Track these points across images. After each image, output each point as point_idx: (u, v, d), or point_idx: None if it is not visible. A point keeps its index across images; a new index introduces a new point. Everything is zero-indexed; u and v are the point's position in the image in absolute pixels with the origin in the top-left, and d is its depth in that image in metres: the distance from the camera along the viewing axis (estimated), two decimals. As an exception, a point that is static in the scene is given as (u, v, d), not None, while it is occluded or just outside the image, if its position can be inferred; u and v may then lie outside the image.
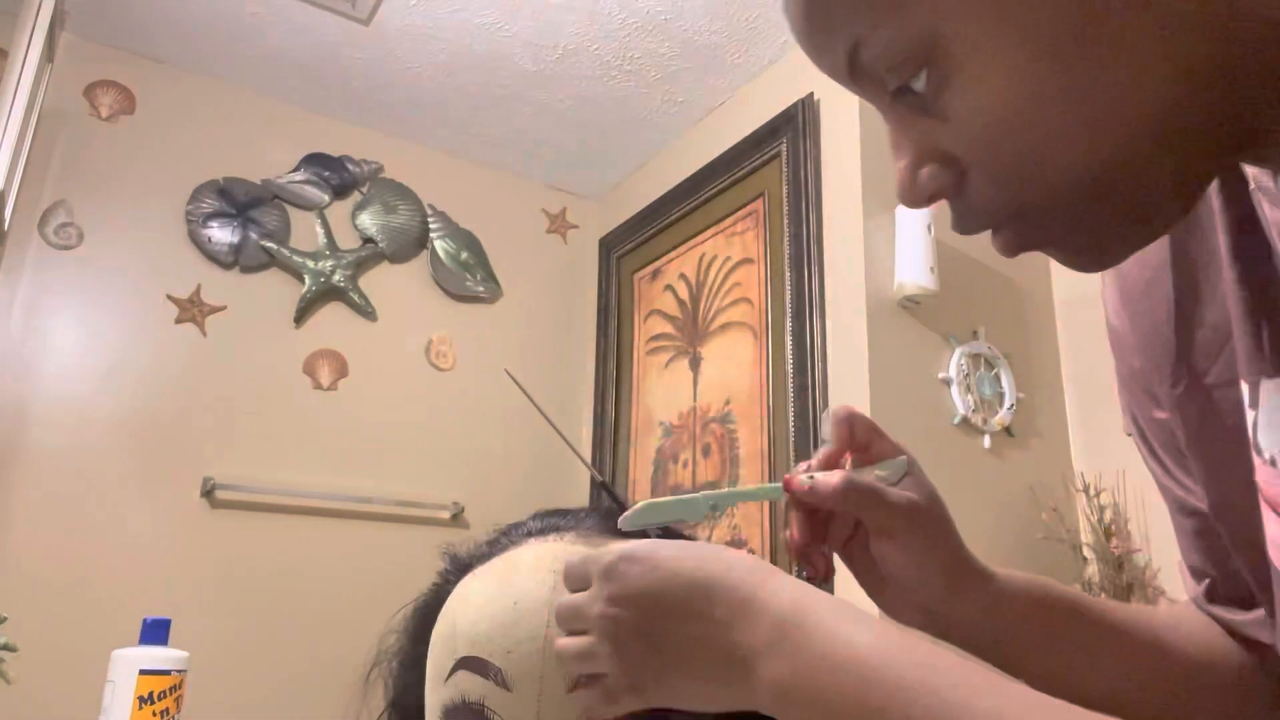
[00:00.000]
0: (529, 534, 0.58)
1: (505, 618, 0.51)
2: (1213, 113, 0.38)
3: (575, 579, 0.49)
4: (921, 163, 0.43)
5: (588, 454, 2.54)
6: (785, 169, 1.97)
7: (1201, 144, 0.39)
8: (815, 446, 1.75)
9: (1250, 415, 0.47)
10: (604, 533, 0.57)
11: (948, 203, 0.44)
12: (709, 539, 2.00)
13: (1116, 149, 0.38)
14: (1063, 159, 0.39)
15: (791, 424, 1.82)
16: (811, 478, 0.54)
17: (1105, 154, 0.38)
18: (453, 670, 0.52)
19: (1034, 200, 0.41)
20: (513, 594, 0.52)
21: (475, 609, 0.53)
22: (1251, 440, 0.47)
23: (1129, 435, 0.62)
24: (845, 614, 0.41)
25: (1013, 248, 0.43)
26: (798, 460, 1.79)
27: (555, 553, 0.54)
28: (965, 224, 0.44)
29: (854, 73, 0.43)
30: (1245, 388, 0.47)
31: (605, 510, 0.60)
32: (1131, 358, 0.58)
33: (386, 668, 0.62)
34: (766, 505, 1.87)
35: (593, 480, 0.57)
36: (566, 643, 0.48)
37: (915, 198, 0.44)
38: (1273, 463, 0.45)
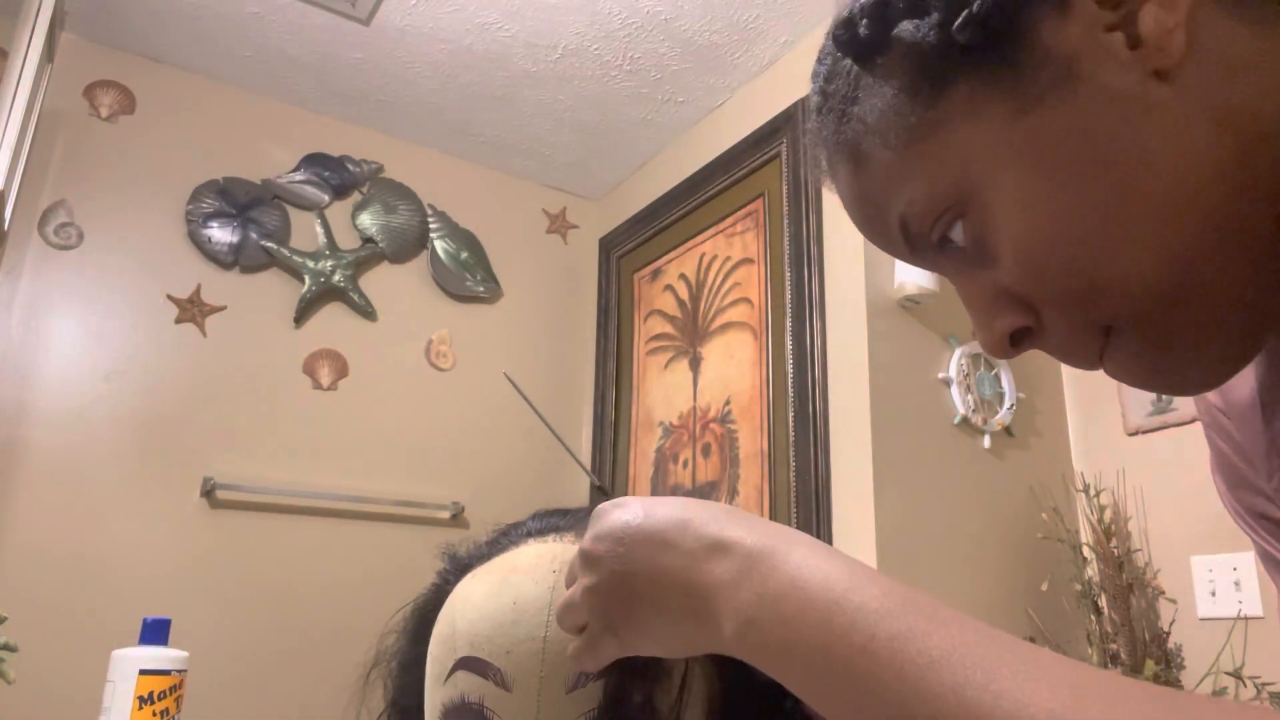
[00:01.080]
0: (528, 534, 0.58)
1: (504, 618, 0.51)
2: (1272, 200, 0.38)
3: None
4: (993, 312, 0.44)
5: (588, 454, 2.54)
6: (785, 169, 1.97)
7: (1271, 229, 0.39)
8: (815, 447, 1.76)
9: None
10: None
11: (1045, 350, 0.45)
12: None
13: (1175, 251, 0.39)
14: (1122, 271, 0.40)
15: (791, 424, 1.82)
16: None
17: (1167, 258, 0.39)
18: (452, 670, 0.52)
19: (1115, 316, 0.41)
20: (511, 594, 0.52)
21: (474, 609, 0.53)
22: None
23: (1236, 523, 0.62)
24: (819, 548, 0.39)
25: (1122, 375, 0.44)
26: (797, 460, 1.79)
27: (554, 553, 0.54)
28: (1070, 360, 0.45)
29: (910, 244, 0.46)
30: None
31: None
32: (1230, 448, 0.58)
33: (386, 668, 0.62)
34: (766, 504, 1.87)
35: (592, 482, 0.57)
36: (560, 597, 0.48)
37: (999, 347, 0.45)
38: None
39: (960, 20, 0.40)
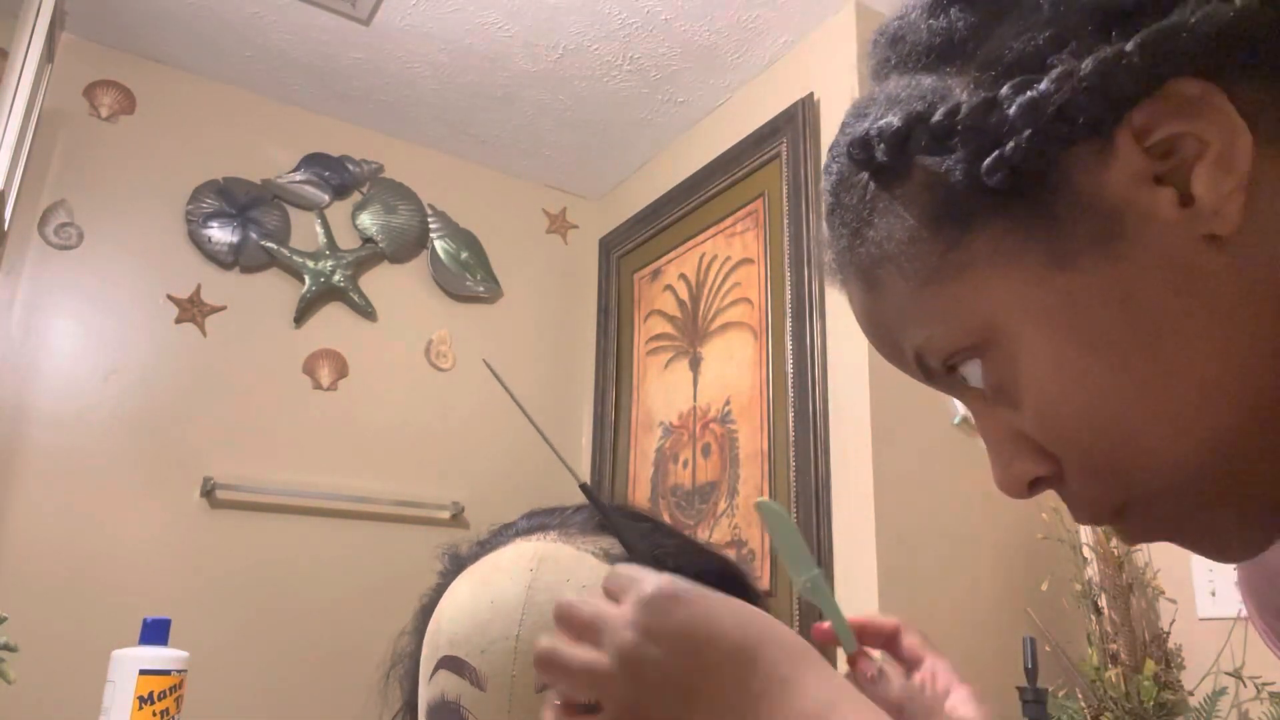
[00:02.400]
0: (517, 533, 0.58)
1: (482, 617, 0.51)
2: None
3: (609, 592, 0.45)
4: (1010, 453, 0.42)
5: (588, 454, 2.54)
6: (785, 169, 1.97)
7: None
8: (815, 447, 1.75)
9: None
10: (587, 531, 0.57)
11: (1057, 493, 0.43)
12: (709, 536, 2.00)
13: (1216, 435, 0.36)
14: (1154, 449, 0.37)
15: (791, 424, 1.82)
16: (881, 671, 0.55)
17: (1204, 441, 0.36)
18: (435, 669, 0.52)
19: (1138, 494, 0.39)
20: (490, 593, 0.52)
21: (457, 608, 0.53)
22: None
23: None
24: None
25: (1133, 539, 0.42)
26: (797, 460, 1.79)
27: (536, 551, 0.54)
28: (1078, 515, 0.42)
29: (925, 373, 0.44)
30: None
31: (591, 509, 0.60)
32: (1258, 572, 0.56)
33: (401, 668, 0.62)
34: (766, 505, 1.87)
35: (585, 491, 0.56)
36: (573, 652, 0.43)
37: (1014, 490, 0.43)
38: None
39: (990, 162, 0.37)
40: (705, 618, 0.42)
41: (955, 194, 0.39)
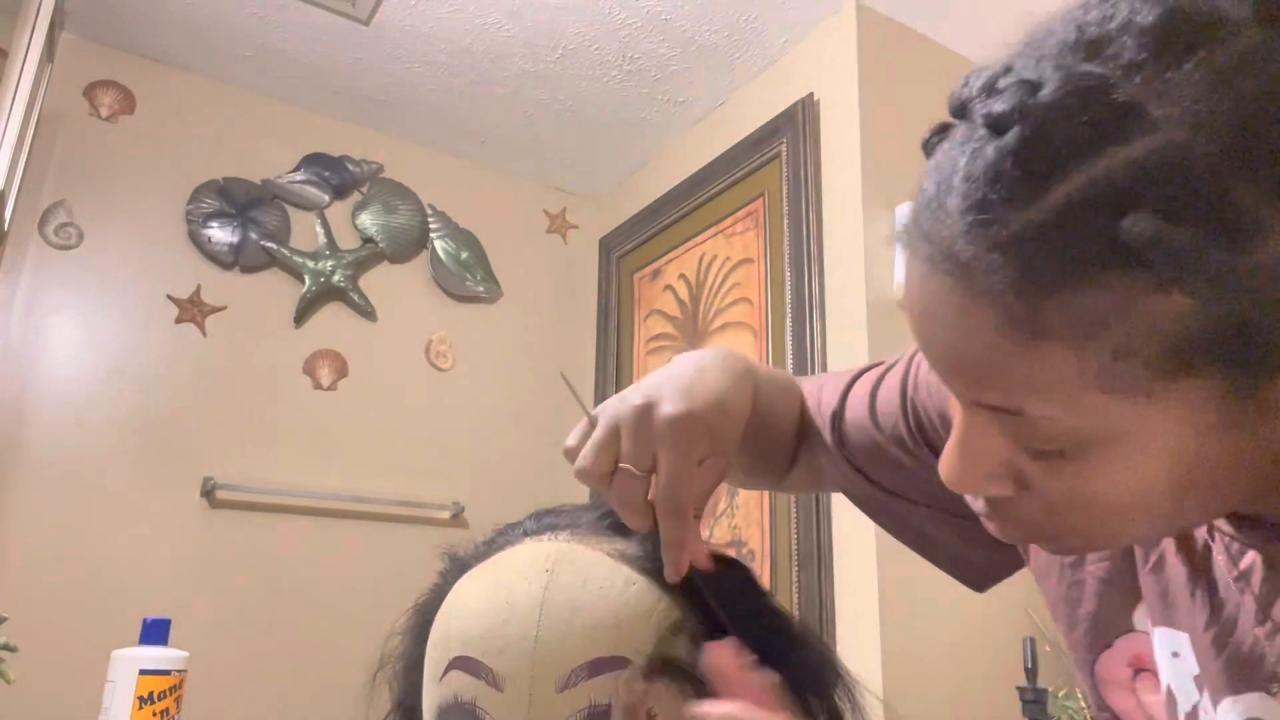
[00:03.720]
0: (525, 534, 0.58)
1: (497, 618, 0.51)
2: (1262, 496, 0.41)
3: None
4: (990, 470, 0.42)
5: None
6: (785, 169, 1.97)
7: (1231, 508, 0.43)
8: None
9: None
10: (599, 532, 0.57)
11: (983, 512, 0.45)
12: (709, 536, 2.00)
13: (1174, 528, 0.43)
14: (1133, 534, 0.43)
15: (791, 424, 1.82)
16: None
17: (1164, 530, 0.43)
18: (446, 670, 0.52)
19: (1074, 538, 0.43)
20: (505, 594, 0.52)
21: (469, 609, 0.53)
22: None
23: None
24: None
25: (1012, 542, 0.48)
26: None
27: (548, 552, 0.54)
28: (994, 521, 0.45)
29: (985, 410, 0.40)
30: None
31: (601, 509, 0.60)
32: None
33: (391, 670, 0.62)
34: (766, 506, 1.87)
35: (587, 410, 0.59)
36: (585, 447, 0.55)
37: (965, 491, 0.44)
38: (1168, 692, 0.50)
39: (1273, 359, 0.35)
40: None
41: (1212, 342, 0.34)
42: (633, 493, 0.52)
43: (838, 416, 0.67)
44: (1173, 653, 0.49)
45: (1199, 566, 0.47)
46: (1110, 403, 0.36)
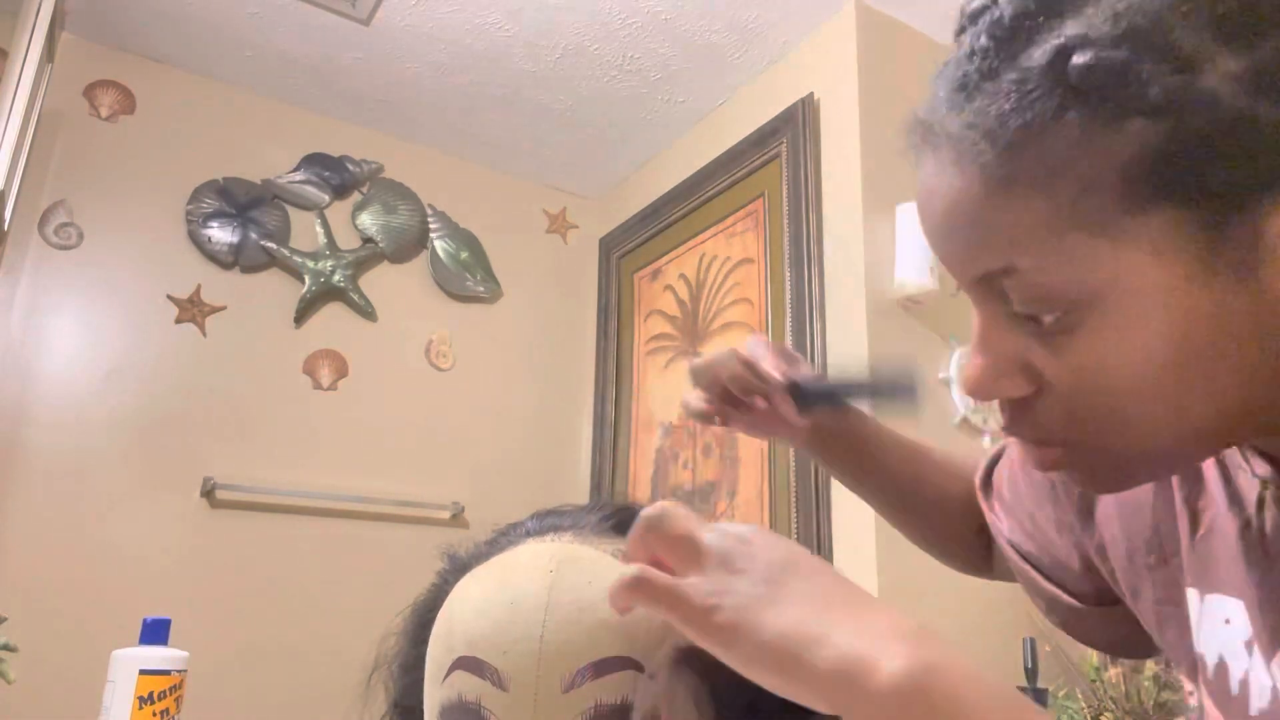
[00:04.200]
0: (527, 534, 0.58)
1: (501, 618, 0.51)
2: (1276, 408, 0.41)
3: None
4: (1006, 369, 0.43)
5: (588, 454, 2.54)
6: (785, 169, 1.97)
7: (1255, 427, 0.42)
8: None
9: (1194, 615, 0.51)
10: (602, 533, 0.57)
11: (1001, 402, 0.45)
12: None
13: (1196, 431, 0.41)
14: (1148, 427, 0.41)
15: (791, 424, 1.82)
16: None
17: (1185, 432, 0.41)
18: (449, 670, 0.52)
19: (1098, 443, 0.42)
20: (509, 594, 0.52)
21: (472, 609, 0.53)
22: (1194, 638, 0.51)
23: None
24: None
25: (1046, 467, 0.45)
26: (797, 460, 1.79)
27: (552, 552, 0.54)
28: (1019, 430, 0.45)
29: (980, 283, 0.42)
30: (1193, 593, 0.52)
31: (604, 510, 0.60)
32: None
33: (387, 670, 0.62)
34: (766, 506, 1.87)
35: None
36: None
37: (987, 396, 0.44)
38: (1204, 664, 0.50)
39: (1227, 171, 0.36)
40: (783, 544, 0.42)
41: (1168, 166, 0.37)
42: None
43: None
44: (1225, 620, 0.49)
45: (1254, 520, 0.47)
46: (1087, 243, 0.38)
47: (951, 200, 0.41)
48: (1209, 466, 0.51)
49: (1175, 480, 0.54)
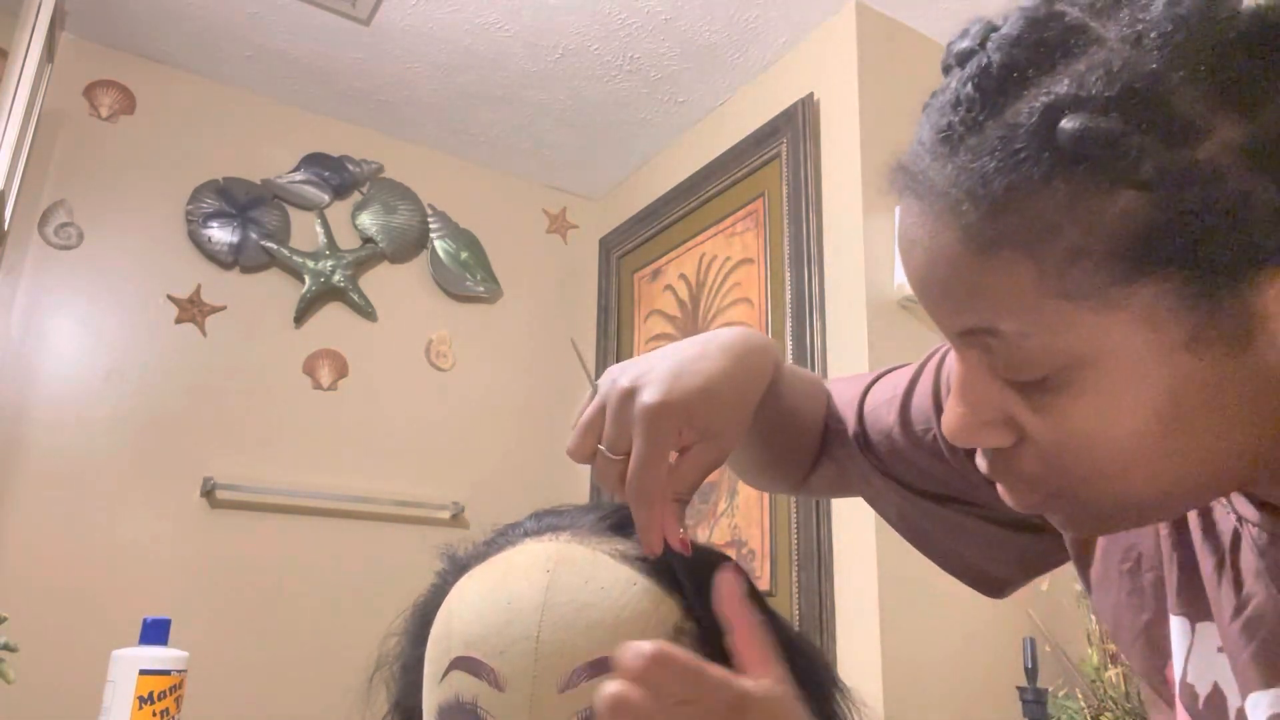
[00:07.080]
0: (525, 534, 0.58)
1: (499, 618, 0.51)
2: (1265, 463, 0.41)
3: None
4: (988, 419, 0.43)
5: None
6: (785, 169, 1.97)
7: (1238, 482, 0.42)
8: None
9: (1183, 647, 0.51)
10: (600, 533, 0.57)
11: (987, 466, 0.45)
12: (709, 537, 2.00)
13: (1179, 491, 0.41)
14: (1130, 485, 0.40)
15: (791, 424, 1.82)
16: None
17: (1167, 490, 0.41)
18: (447, 671, 0.52)
19: (1079, 495, 0.42)
20: (506, 595, 0.52)
21: (470, 609, 0.53)
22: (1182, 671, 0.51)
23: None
24: None
25: (1025, 509, 0.45)
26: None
27: (549, 553, 0.54)
28: (999, 476, 0.44)
29: (963, 336, 0.41)
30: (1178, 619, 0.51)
31: (602, 510, 0.60)
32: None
33: (388, 670, 0.62)
34: (766, 506, 1.87)
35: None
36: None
37: (967, 444, 0.44)
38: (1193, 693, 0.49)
39: (1223, 248, 0.35)
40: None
41: (1159, 238, 0.35)
42: (609, 476, 0.54)
43: (864, 417, 0.67)
44: (1217, 648, 0.49)
45: (1227, 557, 0.47)
46: (1073, 312, 0.37)
47: (934, 254, 0.40)
48: None
49: None
